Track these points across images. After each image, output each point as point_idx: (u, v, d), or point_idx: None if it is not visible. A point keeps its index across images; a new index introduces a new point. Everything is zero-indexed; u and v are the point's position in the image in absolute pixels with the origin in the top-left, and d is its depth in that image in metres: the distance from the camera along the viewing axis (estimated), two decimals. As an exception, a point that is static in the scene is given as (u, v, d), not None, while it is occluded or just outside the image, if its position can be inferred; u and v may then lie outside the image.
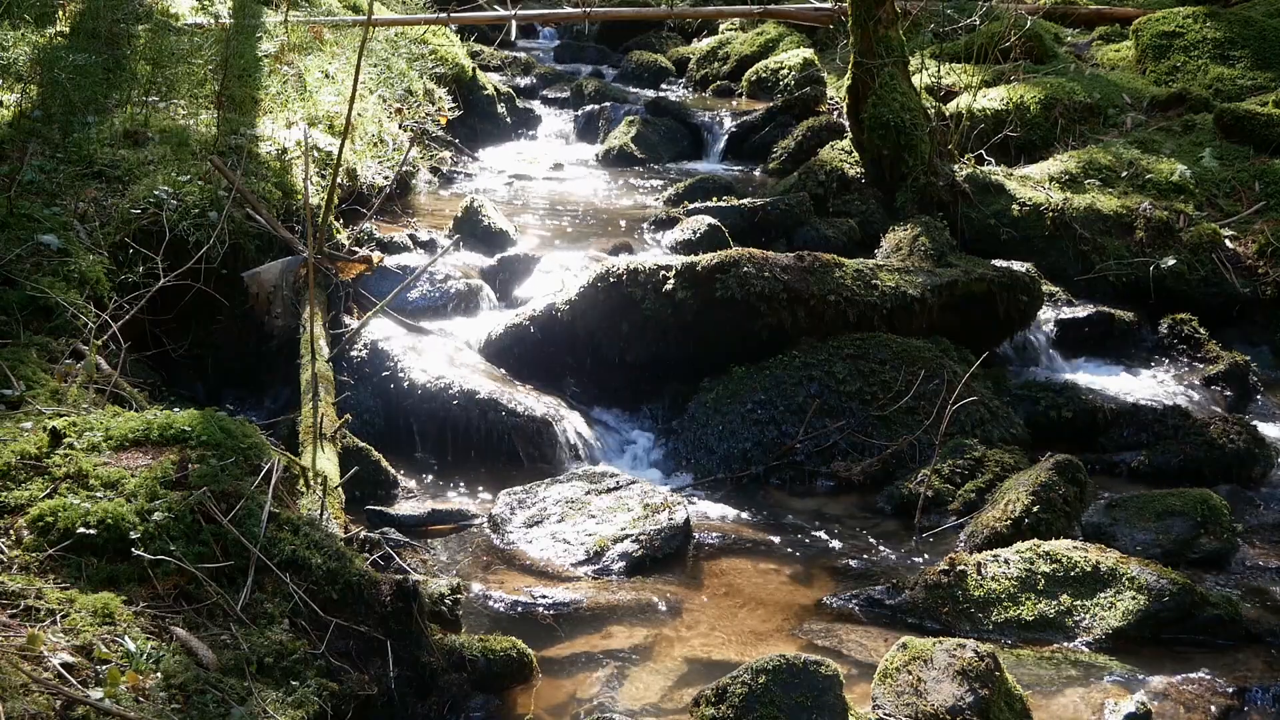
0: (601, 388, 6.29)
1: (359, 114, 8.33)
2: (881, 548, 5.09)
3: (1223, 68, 10.20)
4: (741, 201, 8.45)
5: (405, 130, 9.29)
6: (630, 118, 11.49)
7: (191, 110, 7.26)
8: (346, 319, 6.26)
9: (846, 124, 9.03)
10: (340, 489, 4.71)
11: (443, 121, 10.24)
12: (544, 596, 4.51)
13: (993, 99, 9.64)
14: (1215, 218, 7.98)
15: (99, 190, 5.94)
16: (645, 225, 8.63)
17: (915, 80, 8.67)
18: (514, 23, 13.45)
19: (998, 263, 7.20)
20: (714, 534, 5.14)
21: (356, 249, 6.77)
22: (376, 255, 6.73)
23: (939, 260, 7.23)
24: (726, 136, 11.25)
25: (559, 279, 6.67)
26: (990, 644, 3.81)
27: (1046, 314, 7.23)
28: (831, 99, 11.04)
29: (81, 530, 3.25)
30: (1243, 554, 4.96)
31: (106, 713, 2.72)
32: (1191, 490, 5.13)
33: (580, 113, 12.31)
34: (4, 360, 4.34)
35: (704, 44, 14.83)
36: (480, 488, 5.54)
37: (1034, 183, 8.35)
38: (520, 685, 3.90)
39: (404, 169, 8.65)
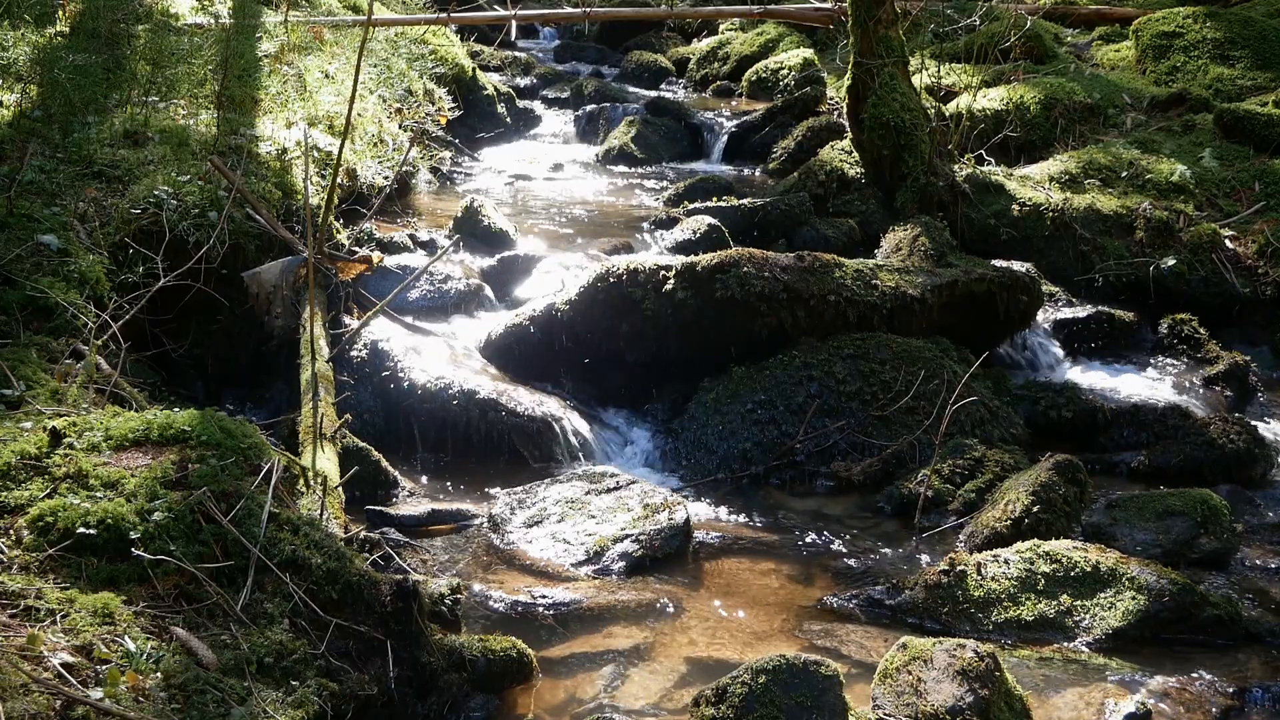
0: (601, 388, 6.29)
1: (359, 114, 8.33)
2: (881, 548, 5.09)
3: (1223, 68, 10.20)
4: (741, 201, 8.45)
5: (405, 130, 9.29)
6: (630, 118, 11.49)
7: (191, 110, 7.26)
8: (346, 319, 6.26)
9: (846, 124, 9.03)
10: (340, 489, 4.71)
11: (443, 121, 10.24)
12: (544, 596, 4.51)
13: (993, 99, 9.64)
14: (1215, 218, 7.98)
15: (99, 190, 5.94)
16: (645, 225, 8.63)
17: (915, 80, 8.67)
18: (514, 23, 13.46)
19: (998, 263, 7.20)
20: (714, 534, 5.14)
21: (356, 249, 6.77)
22: (376, 255, 6.72)
23: (939, 260, 7.23)
24: (726, 136, 11.25)
25: (559, 279, 6.67)
26: (990, 644, 3.81)
27: (1046, 314, 7.23)
28: (831, 99, 11.04)
29: (81, 530, 3.25)
30: (1243, 554, 4.96)
31: (106, 713, 2.72)
32: (1191, 490, 5.13)
33: (580, 113, 12.31)
34: (4, 360, 4.34)
35: (704, 44, 14.83)
36: (480, 488, 5.54)
37: (1034, 183, 8.35)
38: (520, 685, 3.90)
39: (404, 169, 8.64)
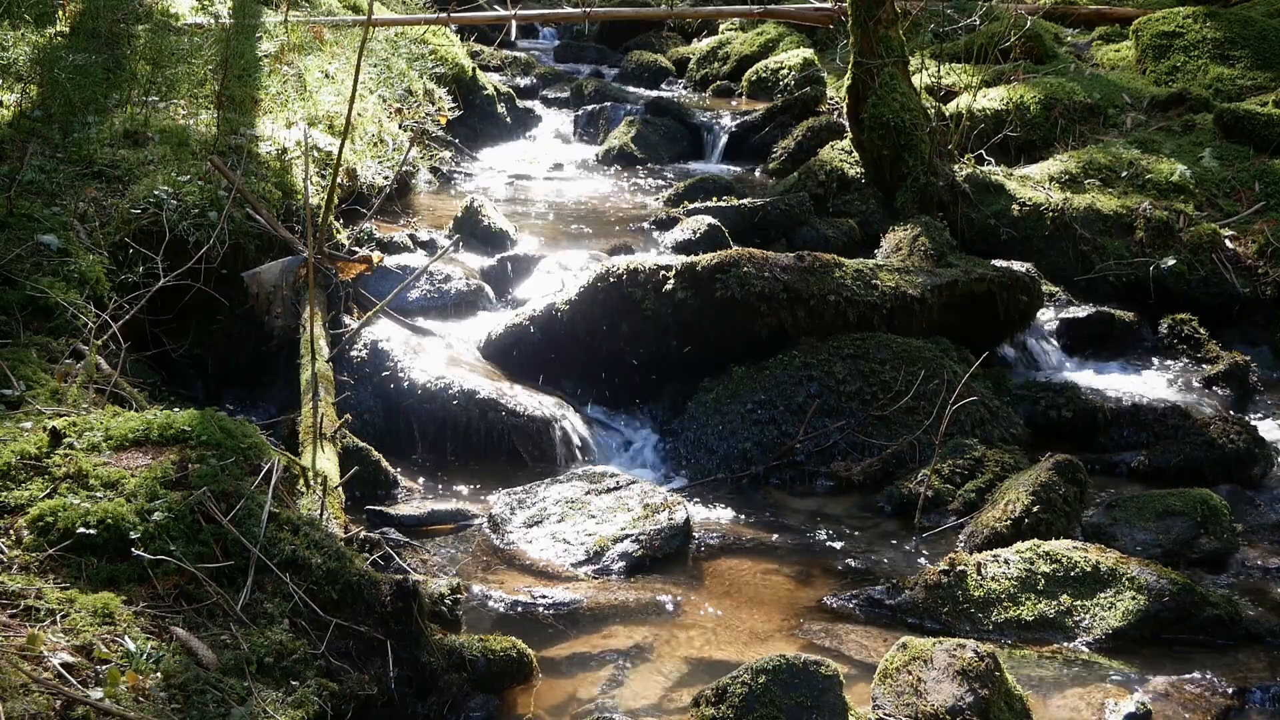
0: (601, 388, 6.29)
1: (359, 114, 8.32)
2: (881, 548, 5.09)
3: (1223, 68, 10.20)
4: (741, 201, 8.45)
5: (405, 130, 9.29)
6: (630, 118, 11.49)
7: (191, 110, 7.26)
8: (346, 319, 6.26)
9: (846, 124, 9.03)
10: (340, 489, 4.71)
11: (443, 121, 10.24)
12: (544, 596, 4.51)
13: (993, 99, 9.64)
14: (1215, 218, 7.98)
15: (99, 190, 5.94)
16: (645, 225, 8.63)
17: (915, 80, 8.67)
18: (514, 23, 13.45)
19: (998, 263, 7.20)
20: (714, 534, 5.14)
21: (356, 249, 6.77)
22: (376, 255, 6.72)
23: (939, 260, 7.23)
24: (726, 136, 11.24)
25: (559, 279, 6.67)
26: (990, 644, 3.81)
27: (1046, 314, 7.23)
28: (831, 99, 11.03)
29: (81, 530, 3.25)
30: (1243, 554, 4.96)
31: (106, 713, 2.72)
32: (1191, 490, 5.13)
33: (580, 113, 12.30)
34: (4, 360, 4.34)
35: (704, 44, 14.82)
36: (480, 488, 5.54)
37: (1034, 183, 8.35)
38: (520, 685, 3.90)
39: (404, 169, 8.64)
